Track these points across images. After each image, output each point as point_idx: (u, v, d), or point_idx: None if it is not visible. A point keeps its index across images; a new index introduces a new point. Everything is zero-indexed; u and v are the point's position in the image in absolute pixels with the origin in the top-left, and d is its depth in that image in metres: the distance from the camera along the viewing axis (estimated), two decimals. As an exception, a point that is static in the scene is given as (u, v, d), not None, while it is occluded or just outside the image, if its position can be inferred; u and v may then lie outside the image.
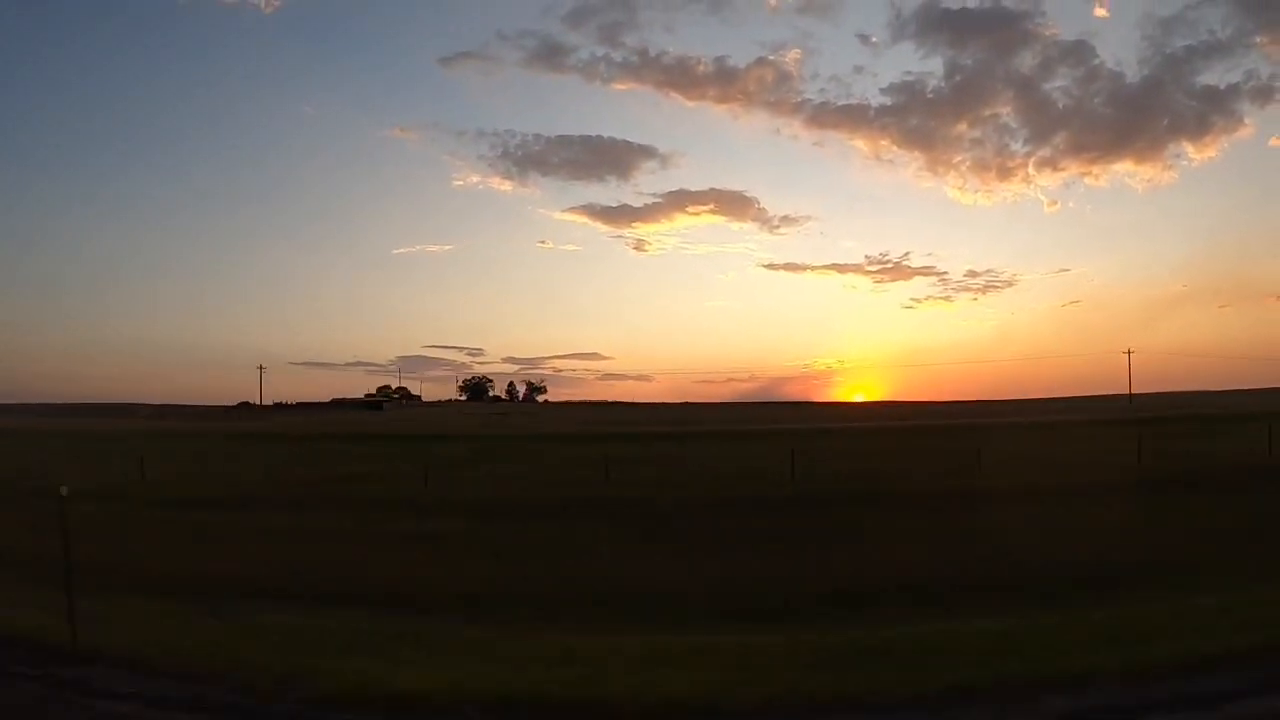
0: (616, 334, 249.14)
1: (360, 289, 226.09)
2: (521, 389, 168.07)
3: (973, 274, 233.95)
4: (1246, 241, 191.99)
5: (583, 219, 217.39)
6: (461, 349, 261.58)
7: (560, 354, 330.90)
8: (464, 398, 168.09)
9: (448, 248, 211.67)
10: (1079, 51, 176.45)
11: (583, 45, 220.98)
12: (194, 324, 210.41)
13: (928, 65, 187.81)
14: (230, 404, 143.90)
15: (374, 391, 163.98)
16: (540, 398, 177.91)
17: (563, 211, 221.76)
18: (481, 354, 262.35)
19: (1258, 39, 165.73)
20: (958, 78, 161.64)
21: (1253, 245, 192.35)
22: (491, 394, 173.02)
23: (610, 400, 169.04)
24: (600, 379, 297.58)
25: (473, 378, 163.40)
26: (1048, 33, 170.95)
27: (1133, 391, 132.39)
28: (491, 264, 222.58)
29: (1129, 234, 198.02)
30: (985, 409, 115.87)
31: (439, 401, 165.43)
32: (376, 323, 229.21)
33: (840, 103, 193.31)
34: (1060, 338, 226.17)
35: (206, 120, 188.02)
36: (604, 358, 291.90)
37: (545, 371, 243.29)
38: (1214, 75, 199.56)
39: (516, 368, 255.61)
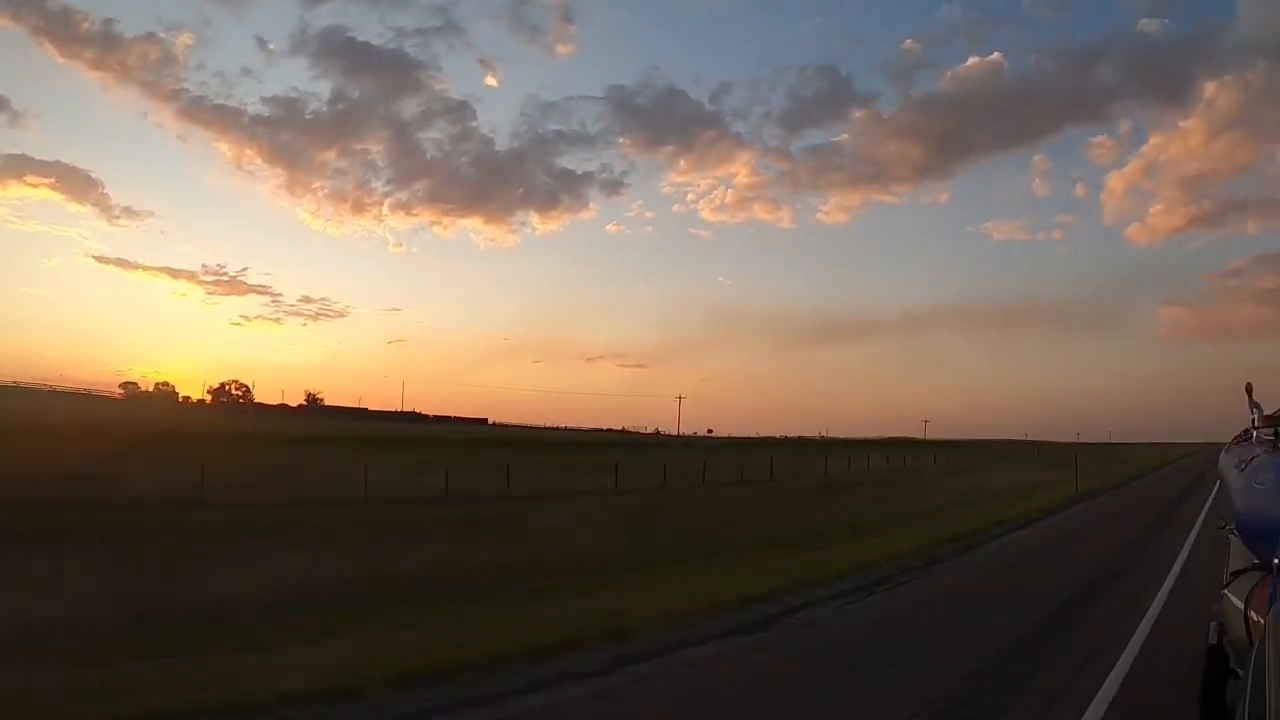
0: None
1: None
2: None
3: (307, 299, 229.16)
4: (570, 309, 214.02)
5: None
6: None
7: None
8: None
9: None
10: (461, 111, 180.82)
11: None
12: None
13: (316, 87, 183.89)
14: None
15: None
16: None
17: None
18: None
19: (620, 139, 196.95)
20: (341, 106, 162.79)
21: (575, 313, 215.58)
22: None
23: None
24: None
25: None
26: (438, 87, 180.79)
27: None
28: None
29: (464, 285, 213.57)
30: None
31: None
32: None
33: (218, 101, 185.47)
34: (383, 372, 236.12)
35: None
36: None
37: None
38: (574, 161, 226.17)
39: None
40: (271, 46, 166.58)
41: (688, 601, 9.00)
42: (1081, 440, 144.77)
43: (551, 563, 12.95)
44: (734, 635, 7.98)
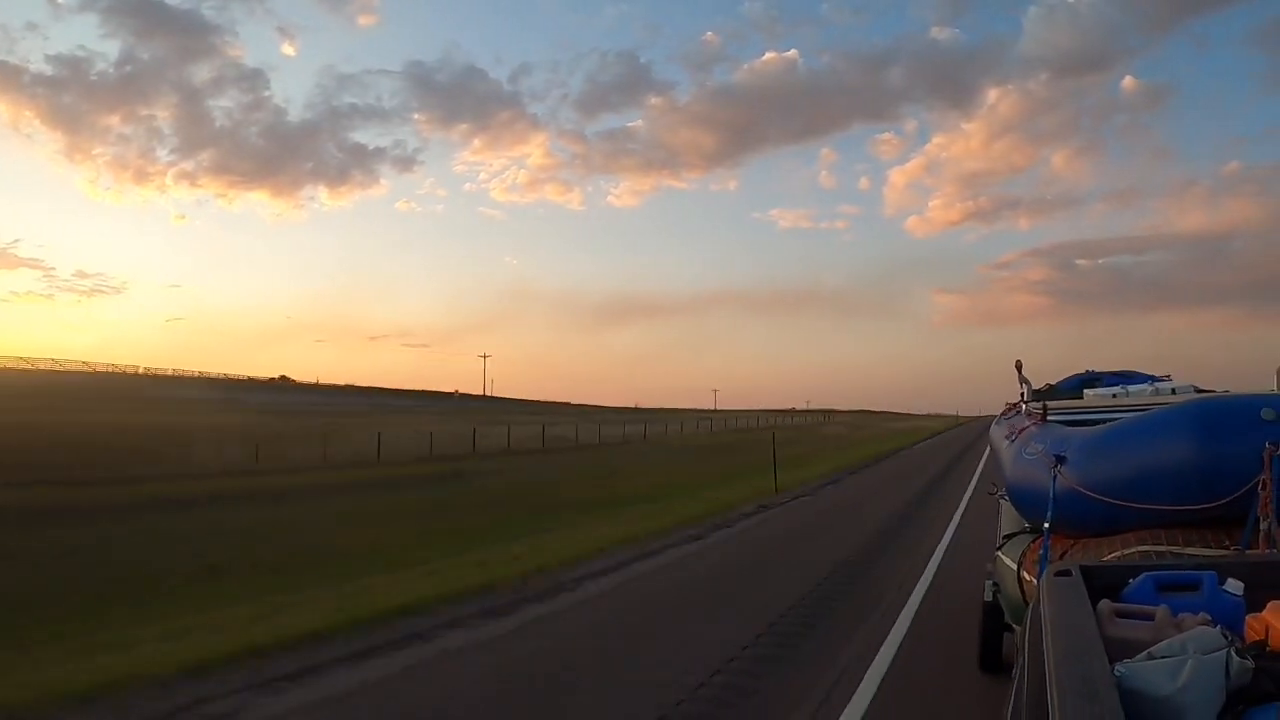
0: None
1: None
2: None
3: (83, 274, 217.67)
4: (357, 286, 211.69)
5: None
6: None
7: None
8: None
9: None
10: (254, 80, 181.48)
11: None
12: None
13: (104, 46, 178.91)
14: None
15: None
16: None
17: None
18: None
19: (416, 116, 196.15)
20: (129, 68, 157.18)
21: (361, 290, 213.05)
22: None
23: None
24: None
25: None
26: (232, 52, 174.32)
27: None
28: None
29: (249, 261, 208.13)
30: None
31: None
32: None
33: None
34: (165, 351, 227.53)
35: None
36: None
37: None
38: (368, 136, 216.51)
39: None
40: (60, 1, 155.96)
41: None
42: (872, 410, 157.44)
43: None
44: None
